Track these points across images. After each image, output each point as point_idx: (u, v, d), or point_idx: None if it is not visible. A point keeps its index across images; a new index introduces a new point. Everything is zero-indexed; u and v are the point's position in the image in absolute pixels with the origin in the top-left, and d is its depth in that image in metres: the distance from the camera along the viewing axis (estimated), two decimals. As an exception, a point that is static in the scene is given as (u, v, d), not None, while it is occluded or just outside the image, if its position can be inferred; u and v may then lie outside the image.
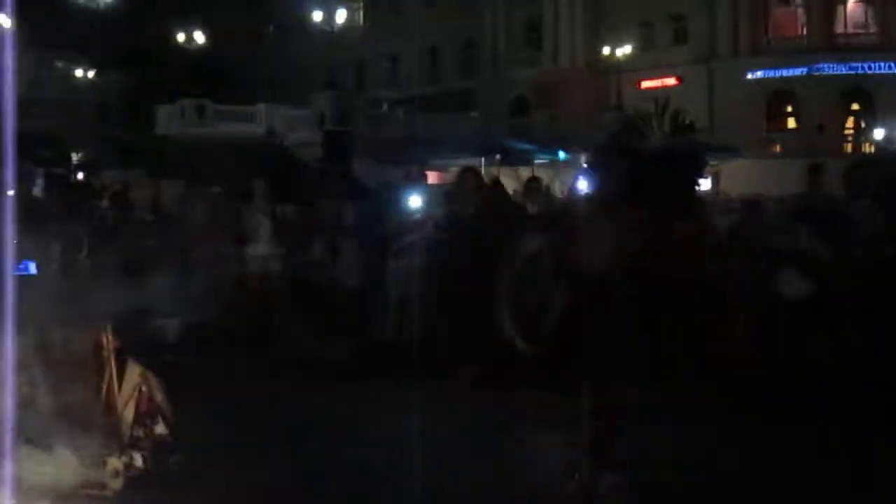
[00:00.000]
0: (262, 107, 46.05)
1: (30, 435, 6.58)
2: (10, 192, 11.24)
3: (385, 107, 48.32)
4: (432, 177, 26.56)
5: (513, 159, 33.80)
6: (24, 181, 11.30)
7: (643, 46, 53.28)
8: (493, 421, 8.48)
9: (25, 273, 9.06)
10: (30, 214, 10.34)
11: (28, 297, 8.64)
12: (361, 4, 56.80)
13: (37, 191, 12.54)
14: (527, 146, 38.27)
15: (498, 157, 33.58)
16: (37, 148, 24.16)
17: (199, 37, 50.81)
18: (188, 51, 51.27)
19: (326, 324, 10.90)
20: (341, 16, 50.34)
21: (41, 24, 48.46)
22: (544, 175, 21.53)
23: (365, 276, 11.52)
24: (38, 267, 8.92)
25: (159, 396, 7.03)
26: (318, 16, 50.77)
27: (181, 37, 50.68)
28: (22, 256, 9.47)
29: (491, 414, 8.75)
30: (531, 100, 55.94)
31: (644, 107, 36.53)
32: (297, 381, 10.29)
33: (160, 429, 6.96)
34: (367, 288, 11.54)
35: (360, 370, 10.50)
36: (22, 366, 6.82)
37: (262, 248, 12.07)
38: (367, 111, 43.62)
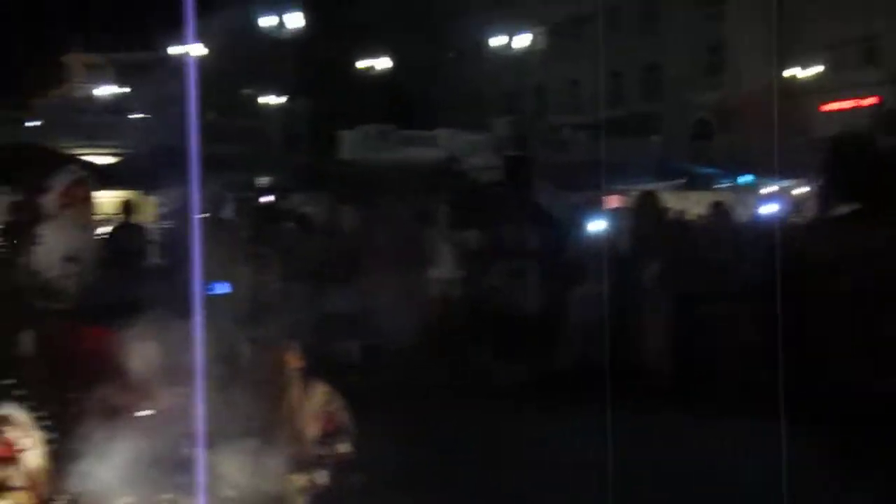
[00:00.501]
0: (442, 132, 46.52)
1: (217, 451, 6.77)
2: (200, 216, 11.66)
3: (565, 131, 48.22)
4: (613, 201, 26.34)
5: (695, 184, 33.27)
6: (213, 205, 11.66)
7: (831, 67, 51.77)
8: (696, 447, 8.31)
9: (219, 294, 9.36)
10: (219, 237, 10.68)
11: (217, 317, 8.93)
12: (542, 29, 56.80)
13: (226, 214, 12.95)
14: (709, 170, 37.60)
15: (680, 181, 33.09)
16: (226, 172, 24.96)
17: (382, 63, 51.72)
18: (371, 77, 52.25)
19: (508, 348, 10.88)
20: (521, 40, 50.44)
21: (228, 51, 50.26)
22: (728, 199, 21.09)
23: (547, 301, 11.46)
24: (229, 287, 9.18)
25: (343, 416, 7.13)
26: (498, 41, 51.04)
27: (364, 63, 51.69)
28: (212, 279, 9.79)
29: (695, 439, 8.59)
30: (714, 123, 55.02)
31: (835, 130, 35.40)
32: (478, 405, 10.32)
33: (343, 447, 7.05)
34: (550, 313, 11.48)
35: (543, 395, 10.44)
36: (213, 384, 7.04)
37: (443, 272, 12.16)
38: (547, 136, 43.62)
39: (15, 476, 6.25)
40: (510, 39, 50.43)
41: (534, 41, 55.84)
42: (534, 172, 15.82)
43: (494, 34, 51.54)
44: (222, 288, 9.37)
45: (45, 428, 6.46)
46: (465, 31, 58.25)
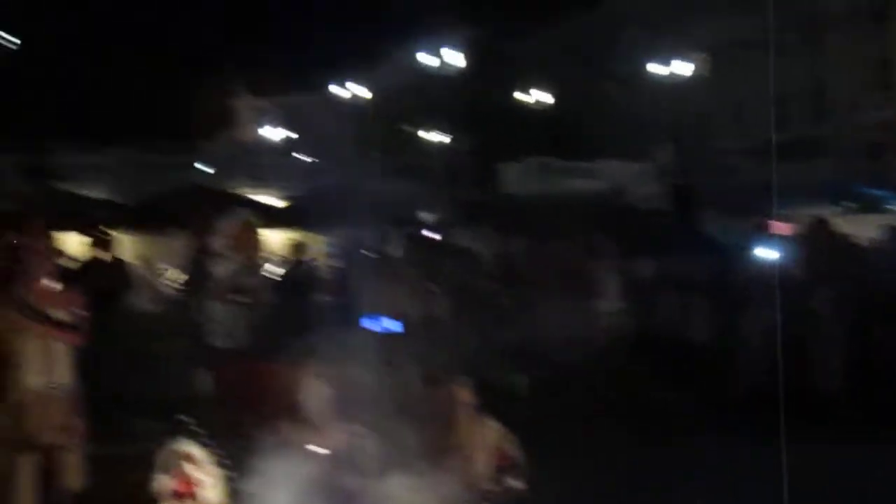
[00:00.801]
0: (604, 162, 46.29)
1: (388, 486, 6.82)
2: (368, 254, 11.85)
3: (731, 157, 47.35)
4: (783, 227, 25.64)
5: (867, 206, 32.23)
6: (380, 242, 11.83)
7: None
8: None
9: (389, 331, 9.48)
10: (387, 274, 10.82)
11: (387, 353, 9.02)
12: (704, 54, 56.02)
13: (393, 251, 13.10)
14: (882, 192, 36.36)
15: (852, 204, 32.09)
16: (392, 210, 25.28)
17: (543, 96, 51.79)
18: (531, 109, 52.35)
19: (678, 379, 10.71)
20: (683, 67, 49.81)
21: (390, 90, 51.08)
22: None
23: (717, 330, 11.24)
24: (399, 324, 9.29)
25: (514, 451, 7.10)
26: (658, 68, 50.52)
27: (524, 96, 51.83)
28: (381, 315, 9.91)
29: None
30: (886, 144, 53.22)
31: None
32: (650, 436, 10.16)
33: (514, 483, 7.01)
34: (720, 342, 11.25)
35: (715, 424, 10.22)
36: (384, 420, 7.11)
37: (609, 304, 12.03)
38: (713, 162, 42.94)
39: None
40: (671, 66, 49.83)
41: (696, 66, 55.12)
42: (700, 200, 15.56)
43: (655, 61, 51.01)
44: (391, 324, 9.49)
45: (222, 464, 6.61)
46: (625, 60, 57.90)
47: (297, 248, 14.87)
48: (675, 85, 49.57)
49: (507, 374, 10.66)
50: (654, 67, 50.88)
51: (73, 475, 7.29)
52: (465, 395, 7.32)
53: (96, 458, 8.77)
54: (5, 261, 7.43)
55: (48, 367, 7.12)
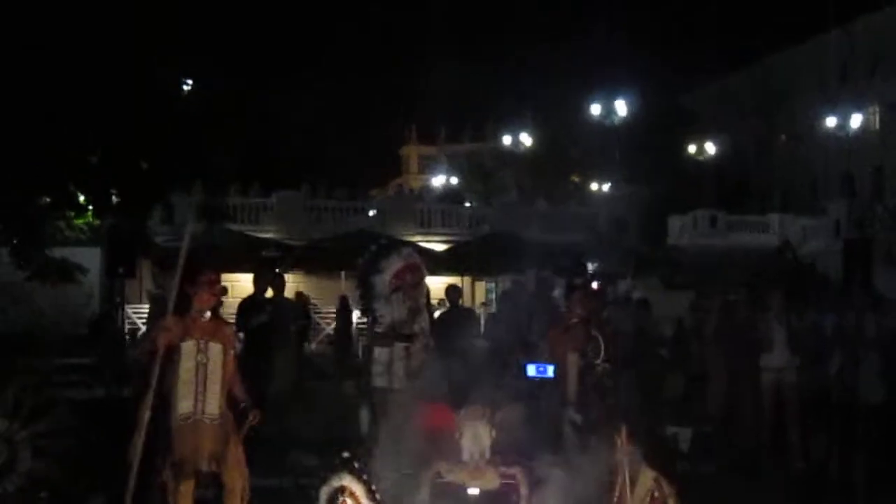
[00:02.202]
0: (774, 216, 45.40)
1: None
2: (532, 300, 11.90)
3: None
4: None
5: None
6: (544, 287, 11.84)
7: None
8: None
9: (544, 376, 9.46)
10: (549, 320, 10.80)
11: (548, 399, 9.00)
12: (877, 108, 54.50)
13: (557, 298, 13.07)
14: None
15: None
16: (557, 257, 25.29)
17: (710, 148, 51.20)
18: (700, 162, 51.75)
19: (849, 440, 10.35)
20: (856, 121, 48.52)
21: (557, 139, 51.21)
22: None
23: (890, 391, 10.83)
24: (554, 372, 9.29)
25: (672, 502, 6.97)
26: (831, 122, 49.35)
27: (692, 149, 51.32)
28: (543, 359, 9.91)
29: None
30: None
31: None
32: (815, 497, 9.85)
33: (672, 536, 6.89)
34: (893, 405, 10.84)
35: (889, 486, 9.83)
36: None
37: (778, 359, 11.73)
38: (886, 218, 41.60)
39: None
40: (845, 120, 48.63)
41: (870, 120, 53.71)
42: (875, 256, 15.07)
43: (829, 115, 49.89)
44: (549, 370, 9.46)
45: (377, 501, 6.67)
46: (797, 113, 56.81)
47: (457, 292, 14.93)
48: (848, 139, 48.37)
49: (670, 426, 10.48)
50: (827, 121, 49.81)
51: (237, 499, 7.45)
52: (623, 442, 7.25)
53: (260, 489, 8.99)
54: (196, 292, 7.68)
55: (202, 396, 7.36)
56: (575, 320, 9.24)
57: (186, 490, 7.28)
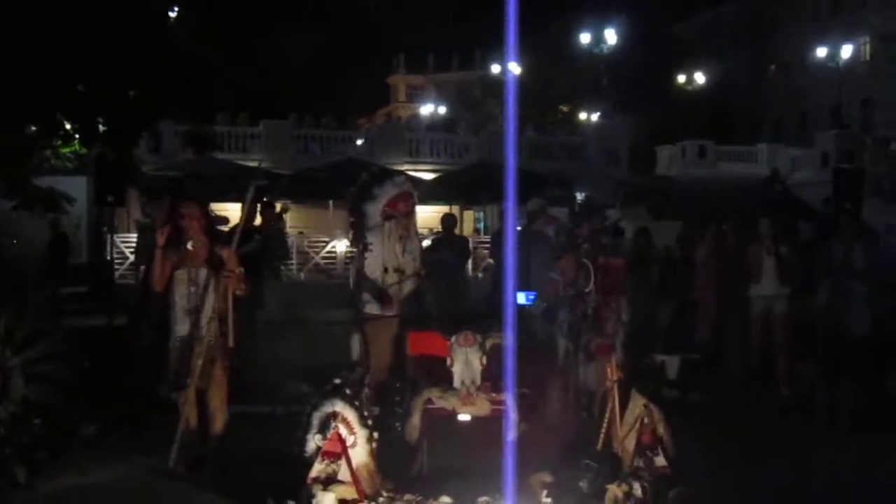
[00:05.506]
0: (763, 147, 45.38)
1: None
2: (519, 230, 11.85)
3: (894, 145, 45.80)
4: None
5: None
6: (532, 219, 11.81)
7: None
8: None
9: (527, 305, 9.55)
10: (538, 251, 10.82)
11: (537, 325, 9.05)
12: (868, 39, 54.24)
13: (544, 228, 13.04)
14: None
15: None
16: (545, 187, 25.31)
17: (700, 78, 50.97)
18: (689, 92, 51.59)
19: (835, 368, 10.42)
20: (846, 52, 48.29)
21: (547, 68, 50.87)
22: None
23: (876, 323, 10.89)
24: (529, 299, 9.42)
25: (661, 429, 7.06)
26: (821, 53, 49.13)
27: (682, 78, 51.11)
28: (528, 288, 9.95)
29: None
30: None
31: None
32: (800, 426, 9.95)
33: (660, 461, 6.98)
34: (879, 335, 10.90)
35: (875, 418, 9.93)
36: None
37: (766, 289, 11.79)
38: (875, 149, 41.60)
39: (342, 470, 6.56)
40: (836, 51, 48.41)
41: (861, 51, 53.51)
42: (863, 187, 15.09)
43: (819, 46, 49.67)
44: (535, 298, 9.54)
45: (370, 426, 6.74)
46: (788, 44, 56.55)
47: (449, 222, 14.92)
48: (839, 70, 48.20)
49: (659, 353, 10.54)
50: (818, 52, 49.63)
51: (217, 420, 7.62)
52: (614, 370, 7.32)
53: (252, 417, 9.06)
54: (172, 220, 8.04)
55: (195, 319, 7.68)
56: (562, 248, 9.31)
57: (189, 398, 7.60)
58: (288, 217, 14.12)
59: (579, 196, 29.57)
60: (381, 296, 8.64)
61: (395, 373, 8.40)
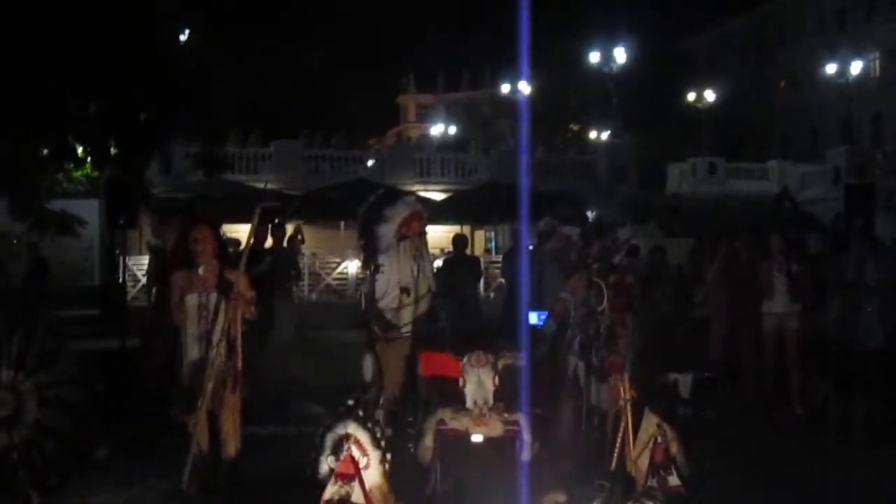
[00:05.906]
0: (774, 164, 45.34)
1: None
2: (530, 249, 11.87)
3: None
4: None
5: None
6: (543, 238, 11.82)
7: None
8: None
9: (538, 325, 9.51)
10: (550, 269, 10.82)
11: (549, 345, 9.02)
12: (877, 55, 54.23)
13: (556, 247, 13.03)
14: None
15: None
16: (556, 205, 25.27)
17: (710, 94, 50.98)
18: (699, 109, 51.58)
19: (850, 382, 10.38)
20: (856, 67, 48.26)
21: (557, 88, 50.92)
22: None
23: (888, 337, 10.85)
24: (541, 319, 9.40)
25: (674, 448, 7.04)
26: (831, 68, 49.12)
27: (691, 96, 51.12)
28: (540, 307, 9.94)
29: None
30: None
31: None
32: (813, 442, 9.90)
33: (674, 480, 6.96)
34: (892, 349, 10.86)
35: (888, 436, 9.87)
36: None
37: (777, 306, 11.75)
38: (886, 165, 41.55)
39: (355, 492, 6.54)
40: (845, 66, 48.38)
41: (870, 67, 53.49)
42: (875, 202, 15.05)
43: (828, 62, 49.65)
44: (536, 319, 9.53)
45: (383, 447, 6.72)
46: (796, 59, 56.58)
47: (460, 241, 14.93)
48: (849, 85, 48.16)
49: (671, 371, 10.51)
50: (828, 68, 49.60)
51: (230, 444, 7.57)
52: (625, 388, 7.29)
53: (264, 438, 9.05)
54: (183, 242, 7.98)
55: (206, 343, 7.60)
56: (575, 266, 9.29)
57: (200, 421, 7.52)
58: (304, 236, 14.11)
59: (590, 214, 29.55)
60: (384, 325, 8.60)
61: (408, 394, 8.37)
